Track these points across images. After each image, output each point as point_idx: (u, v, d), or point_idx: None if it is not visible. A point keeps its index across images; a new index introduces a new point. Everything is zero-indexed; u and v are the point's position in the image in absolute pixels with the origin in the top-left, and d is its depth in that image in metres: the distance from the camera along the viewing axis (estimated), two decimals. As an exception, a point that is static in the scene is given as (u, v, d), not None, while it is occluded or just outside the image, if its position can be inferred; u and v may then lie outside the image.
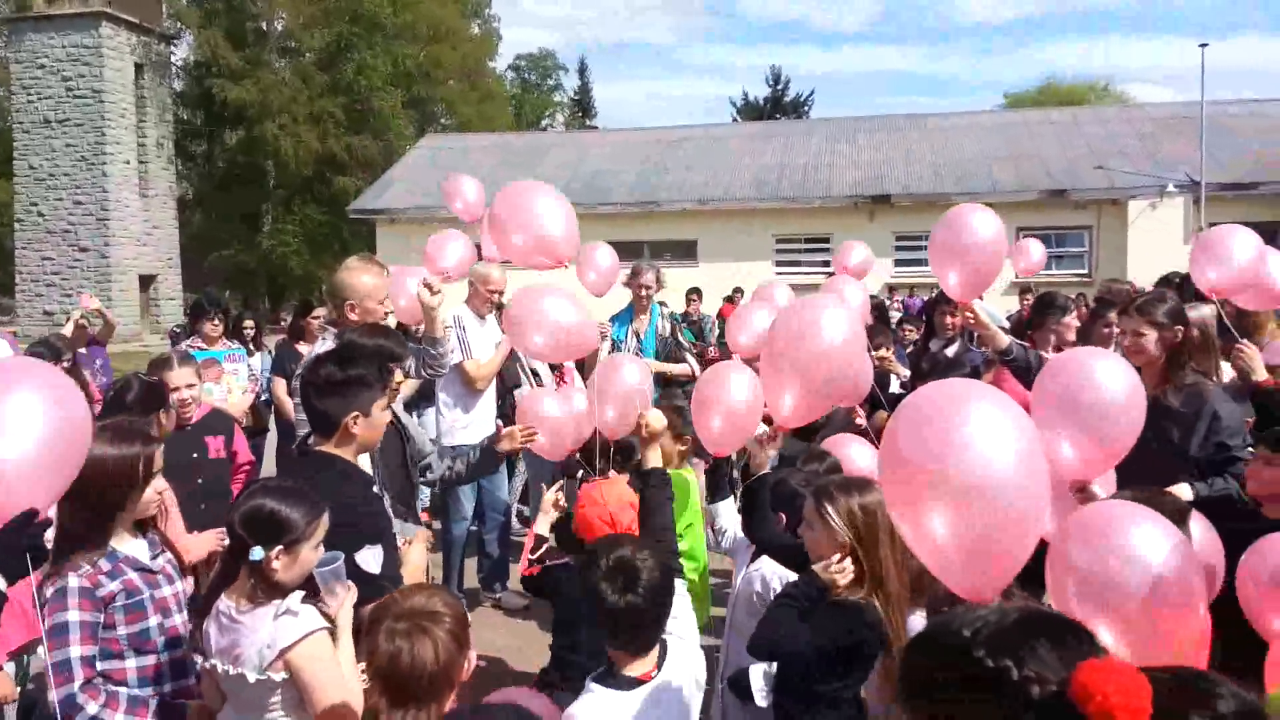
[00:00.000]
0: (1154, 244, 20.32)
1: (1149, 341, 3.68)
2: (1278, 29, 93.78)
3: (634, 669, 2.43)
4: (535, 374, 6.23)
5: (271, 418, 7.60)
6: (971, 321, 4.13)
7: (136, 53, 32.14)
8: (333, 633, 2.48)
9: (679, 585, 2.79)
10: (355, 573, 2.73)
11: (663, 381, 6.29)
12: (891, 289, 20.51)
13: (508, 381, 6.26)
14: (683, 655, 2.57)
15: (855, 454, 4.02)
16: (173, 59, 36.64)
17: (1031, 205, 21.78)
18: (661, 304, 7.38)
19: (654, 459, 3.36)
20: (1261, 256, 4.23)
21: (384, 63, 38.09)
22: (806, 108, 48.61)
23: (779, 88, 49.25)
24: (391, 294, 4.50)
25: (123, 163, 31.27)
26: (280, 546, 2.47)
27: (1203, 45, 20.44)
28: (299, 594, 2.48)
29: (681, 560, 4.17)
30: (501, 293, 6.16)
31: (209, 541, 4.15)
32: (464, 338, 5.95)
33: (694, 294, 13.94)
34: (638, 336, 6.68)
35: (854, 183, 23.34)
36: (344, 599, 2.54)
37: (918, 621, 3.01)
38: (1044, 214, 21.90)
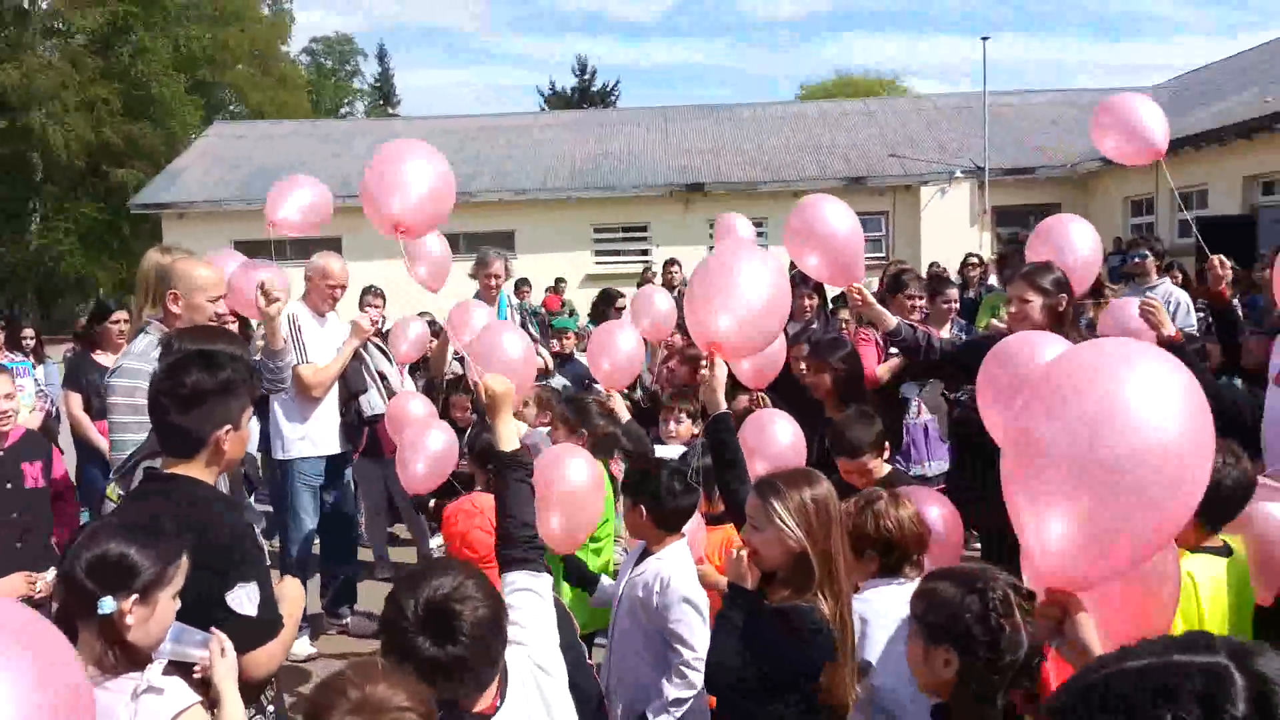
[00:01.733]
0: (944, 227, 21.72)
1: (1034, 309, 3.80)
2: (1035, 27, 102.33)
3: (475, 706, 2.11)
4: (384, 378, 5.81)
5: (68, 438, 6.83)
6: (860, 303, 4.19)
7: None
8: (205, 703, 2.13)
9: (540, 597, 2.43)
10: (228, 616, 2.39)
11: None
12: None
13: (351, 387, 5.73)
14: (525, 671, 2.26)
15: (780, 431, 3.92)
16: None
17: (833, 192, 22.65)
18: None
19: (507, 437, 2.67)
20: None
21: (165, 46, 35.35)
22: (614, 97, 48.95)
23: (586, 77, 49.34)
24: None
25: None
26: (135, 595, 2.10)
27: (984, 38, 21.84)
28: (160, 664, 2.10)
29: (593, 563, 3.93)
30: (344, 287, 5.70)
31: (15, 586, 3.64)
32: (299, 339, 5.43)
33: (524, 285, 13.67)
34: None
35: (668, 172, 23.61)
36: (218, 657, 2.20)
37: (880, 595, 2.87)
38: (845, 201, 22.84)
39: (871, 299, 4.18)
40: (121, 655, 2.09)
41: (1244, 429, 3.74)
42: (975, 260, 10.99)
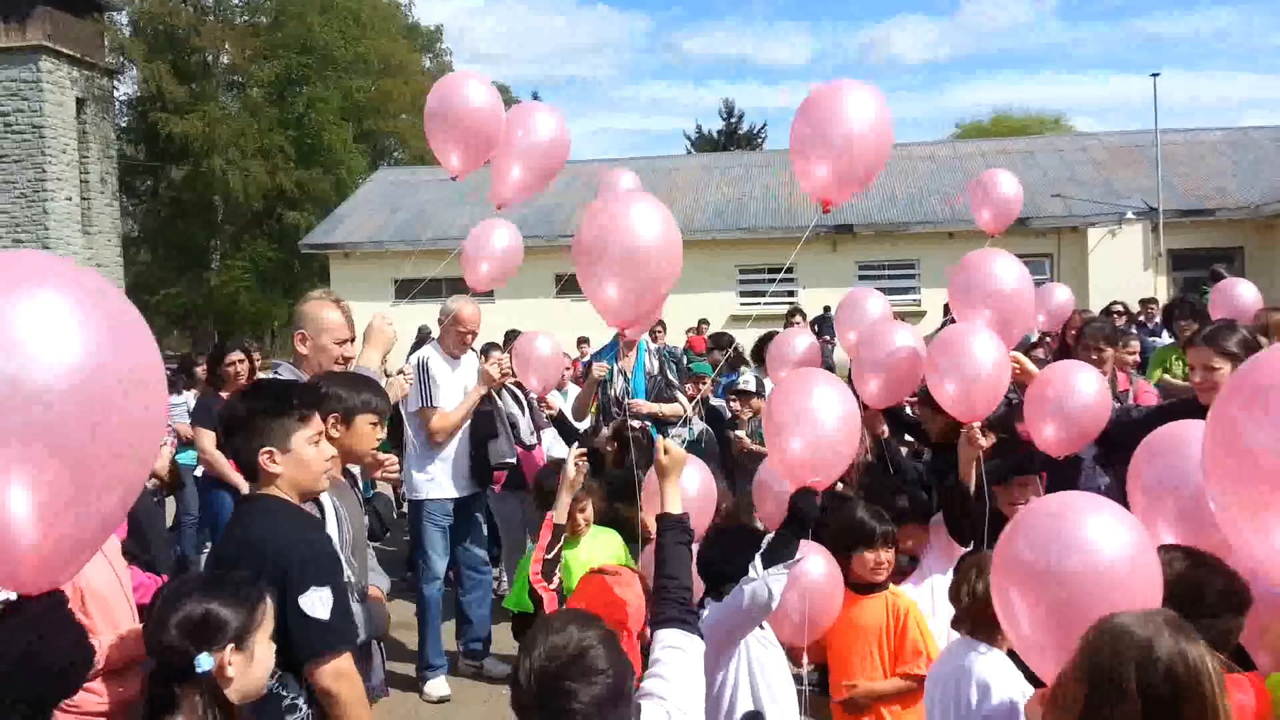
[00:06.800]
0: (1115, 270, 20.46)
1: (1222, 375, 3.40)
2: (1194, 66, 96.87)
3: None
4: (513, 425, 5.76)
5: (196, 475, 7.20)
6: (1019, 372, 3.81)
7: (78, 87, 31.31)
8: None
9: (688, 656, 2.39)
10: (301, 619, 2.44)
11: (655, 423, 5.83)
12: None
13: (480, 431, 5.57)
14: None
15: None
16: (116, 93, 35.75)
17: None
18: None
19: (673, 500, 2.75)
20: None
21: (335, 96, 37.48)
22: (760, 139, 48.86)
23: (732, 120, 49.49)
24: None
25: (64, 199, 30.34)
26: (230, 645, 2.06)
27: (1154, 75, 20.86)
28: None
29: None
30: (475, 333, 5.65)
31: None
32: (426, 381, 5.40)
33: (658, 327, 13.53)
34: (625, 376, 6.01)
35: (815, 213, 23.21)
36: None
37: None
38: (1006, 242, 21.82)
39: (1030, 365, 3.79)
40: (223, 714, 2.01)
41: None
42: (1122, 308, 10.33)
